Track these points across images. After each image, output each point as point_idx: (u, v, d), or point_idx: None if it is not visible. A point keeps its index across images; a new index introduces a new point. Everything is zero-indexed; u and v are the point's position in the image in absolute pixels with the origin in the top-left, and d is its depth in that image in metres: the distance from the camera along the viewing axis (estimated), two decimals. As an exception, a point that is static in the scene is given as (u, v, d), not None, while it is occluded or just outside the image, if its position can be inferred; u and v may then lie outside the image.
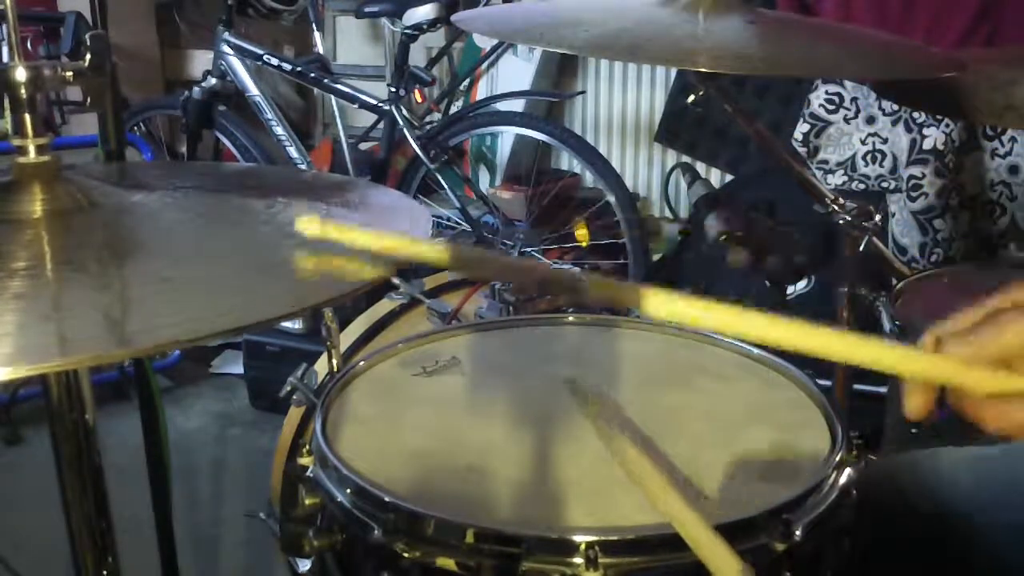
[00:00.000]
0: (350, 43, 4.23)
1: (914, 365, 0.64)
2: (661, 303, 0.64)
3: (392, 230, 0.81)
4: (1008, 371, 0.62)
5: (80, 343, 0.63)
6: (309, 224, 0.72)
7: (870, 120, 2.24)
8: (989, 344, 0.62)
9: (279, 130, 3.24)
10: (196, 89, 3.20)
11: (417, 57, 3.68)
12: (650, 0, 1.22)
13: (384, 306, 1.68)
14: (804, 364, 1.08)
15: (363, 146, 3.62)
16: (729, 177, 3.46)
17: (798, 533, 0.80)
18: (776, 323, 0.62)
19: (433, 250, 0.71)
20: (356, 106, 3.23)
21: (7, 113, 0.80)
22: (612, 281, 0.69)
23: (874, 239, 1.35)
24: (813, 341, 0.62)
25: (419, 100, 3.20)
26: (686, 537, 0.73)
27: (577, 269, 0.76)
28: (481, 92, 3.84)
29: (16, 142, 0.80)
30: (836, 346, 0.63)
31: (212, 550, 2.18)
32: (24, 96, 0.79)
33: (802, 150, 2.29)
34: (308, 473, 0.93)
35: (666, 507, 0.75)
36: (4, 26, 2.79)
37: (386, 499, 0.83)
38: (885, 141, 2.21)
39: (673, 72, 3.51)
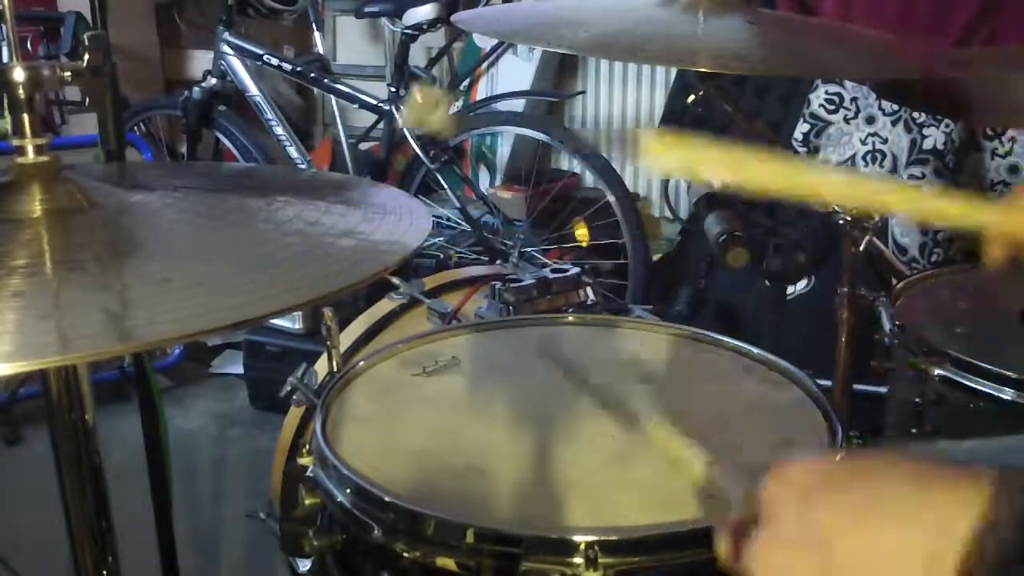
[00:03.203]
0: (350, 43, 4.22)
1: (1002, 218, 0.65)
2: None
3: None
4: None
5: (79, 340, 0.63)
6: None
7: (870, 120, 2.24)
8: None
9: (279, 130, 3.24)
10: (196, 89, 3.20)
11: (417, 57, 3.67)
12: (650, 0, 1.23)
13: (384, 306, 1.68)
14: (804, 364, 1.08)
15: (363, 146, 3.62)
16: (729, 177, 3.45)
17: (798, 533, 0.80)
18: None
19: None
20: (356, 106, 3.22)
21: (6, 113, 0.80)
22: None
23: (874, 239, 1.35)
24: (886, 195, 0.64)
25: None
26: None
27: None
28: (481, 92, 3.83)
29: (15, 142, 0.80)
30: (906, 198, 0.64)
31: (212, 550, 2.18)
32: (23, 96, 0.79)
33: (802, 150, 2.29)
34: (308, 473, 0.93)
35: None
36: (3, 26, 2.78)
37: (386, 499, 0.83)
38: (885, 141, 2.21)
39: (673, 72, 3.51)
